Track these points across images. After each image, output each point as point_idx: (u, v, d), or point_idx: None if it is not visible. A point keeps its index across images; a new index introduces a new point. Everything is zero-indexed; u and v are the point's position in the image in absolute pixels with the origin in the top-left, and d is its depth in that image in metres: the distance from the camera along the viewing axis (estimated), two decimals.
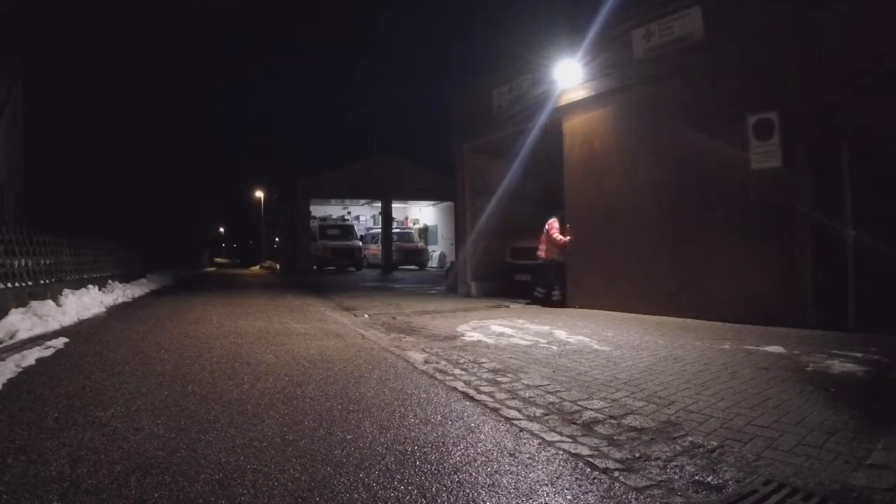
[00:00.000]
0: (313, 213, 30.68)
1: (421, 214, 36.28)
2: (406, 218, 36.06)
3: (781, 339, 6.24)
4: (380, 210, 31.89)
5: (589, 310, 9.78)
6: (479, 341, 6.59)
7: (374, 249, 31.22)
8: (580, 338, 6.74)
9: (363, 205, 35.13)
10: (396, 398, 4.08)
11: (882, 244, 6.94)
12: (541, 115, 11.02)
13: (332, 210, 34.50)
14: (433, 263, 31.78)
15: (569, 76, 10.26)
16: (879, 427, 3.30)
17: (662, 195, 8.92)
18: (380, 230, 31.72)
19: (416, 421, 3.55)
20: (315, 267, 27.74)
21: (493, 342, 6.52)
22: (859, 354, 5.33)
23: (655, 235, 9.01)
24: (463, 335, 7.04)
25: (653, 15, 9.07)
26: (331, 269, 27.71)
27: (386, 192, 29.60)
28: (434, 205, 33.93)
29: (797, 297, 7.31)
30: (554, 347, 6.14)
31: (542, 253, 10.95)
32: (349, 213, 35.46)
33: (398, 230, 32.52)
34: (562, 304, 10.50)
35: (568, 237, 10.61)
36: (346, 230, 30.29)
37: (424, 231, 34.96)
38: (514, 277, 12.70)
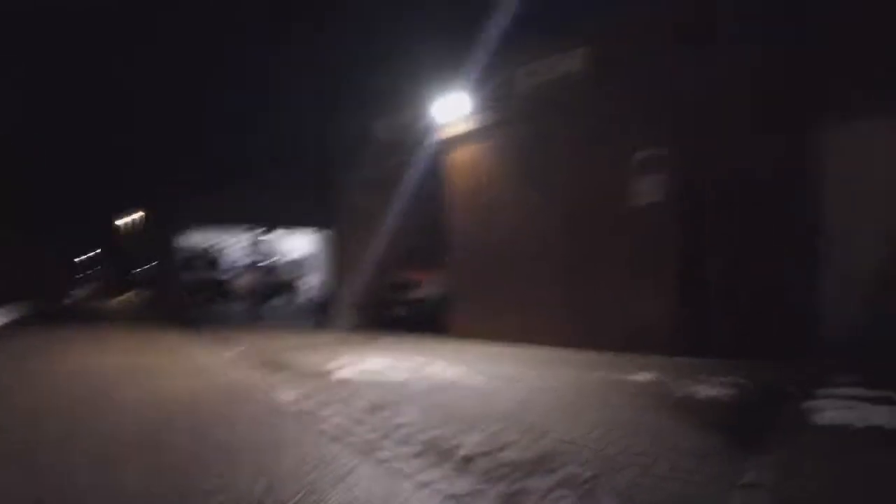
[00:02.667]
0: (183, 242, 29.00)
1: (294, 244, 35.18)
2: (279, 247, 34.82)
3: (652, 367, 6.42)
4: (252, 239, 30.64)
5: (469, 342, 9.70)
6: (352, 378, 6.31)
7: (245, 281, 29.89)
8: (455, 371, 6.62)
9: (234, 233, 33.65)
10: (268, 441, 3.77)
11: (739, 280, 7.45)
12: (423, 148, 11.00)
13: (201, 238, 32.75)
14: (306, 295, 30.86)
15: (452, 110, 10.30)
16: (747, 448, 3.39)
17: (551, 228, 8.99)
18: (251, 260, 30.47)
19: (290, 466, 3.27)
20: (184, 298, 26.10)
21: (367, 378, 6.27)
22: (724, 379, 5.56)
23: (543, 268, 9.06)
24: (335, 371, 6.72)
25: (537, 53, 9.32)
26: (200, 299, 26.23)
27: (258, 220, 28.43)
28: (308, 234, 32.99)
29: (669, 327, 7.56)
30: (428, 382, 5.98)
31: None
32: (219, 242, 33.79)
33: (269, 260, 31.37)
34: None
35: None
36: (214, 260, 28.90)
37: (297, 261, 33.90)
38: (389, 310, 12.45)
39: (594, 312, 8.37)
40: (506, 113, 9.73)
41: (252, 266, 28.87)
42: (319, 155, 15.47)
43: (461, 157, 10.48)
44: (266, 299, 27.90)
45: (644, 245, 7.85)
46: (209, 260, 28.66)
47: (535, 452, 3.46)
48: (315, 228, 30.05)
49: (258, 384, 5.88)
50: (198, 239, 31.68)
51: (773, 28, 7.27)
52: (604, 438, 3.71)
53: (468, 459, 3.37)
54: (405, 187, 12.67)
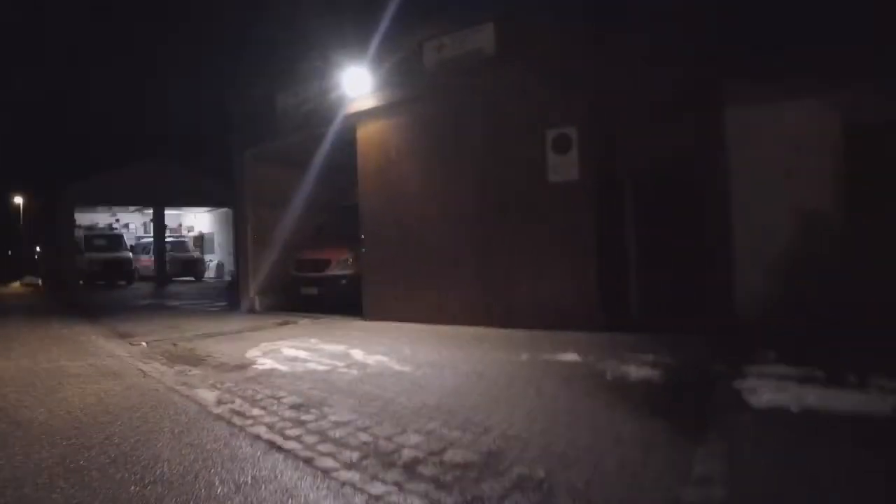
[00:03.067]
0: (79, 222, 26.85)
1: (196, 221, 33.51)
2: (180, 225, 33.09)
3: (576, 346, 6.40)
4: (151, 217, 29.04)
5: (384, 322, 9.54)
6: (274, 369, 6.01)
7: (147, 261, 28.20)
8: (379, 358, 6.43)
9: (133, 212, 31.53)
10: (196, 457, 3.44)
11: (655, 256, 7.84)
12: (331, 121, 10.59)
13: (99, 218, 30.36)
14: (210, 274, 29.56)
15: (359, 84, 9.95)
16: (690, 434, 3.43)
17: (465, 206, 8.94)
18: (152, 239, 28.85)
19: (226, 488, 2.99)
20: (82, 282, 24.22)
21: (289, 369, 5.99)
22: (650, 357, 5.62)
23: (458, 246, 9.00)
24: (255, 362, 6.40)
25: (445, 28, 9.15)
26: (100, 283, 24.43)
27: (158, 197, 26.71)
28: (210, 211, 31.42)
29: (588, 303, 7.65)
30: (354, 372, 5.76)
31: None
32: (117, 220, 31.52)
33: (171, 239, 29.75)
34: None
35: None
36: (114, 240, 26.84)
37: (200, 239, 32.31)
38: (300, 291, 12.02)
39: (510, 290, 8.44)
40: (414, 88, 9.55)
41: (156, 245, 27.27)
42: (222, 129, 14.57)
43: (371, 132, 10.26)
44: (172, 278, 26.58)
45: (560, 222, 7.98)
46: (111, 239, 26.65)
47: (481, 452, 3.36)
48: (221, 205, 28.75)
49: (176, 383, 5.44)
50: (98, 218, 29.53)
51: (685, 11, 7.39)
52: (547, 432, 3.65)
53: (414, 463, 3.23)
54: (314, 162, 12.29)
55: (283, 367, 6.07)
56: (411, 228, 9.58)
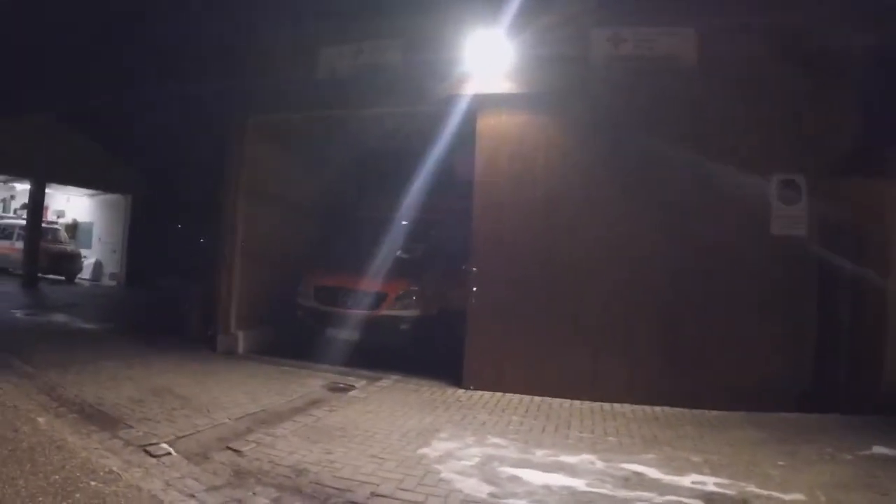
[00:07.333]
0: None
1: (69, 205, 27.04)
2: (47, 208, 26.38)
3: (852, 440, 5.17)
4: (12, 195, 23.04)
5: (509, 396, 6.73)
6: None
7: (8, 248, 21.97)
8: None
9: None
10: None
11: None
12: (424, 100, 7.61)
13: None
14: (85, 275, 23.76)
15: (492, 55, 7.12)
16: None
17: (640, 245, 6.77)
18: (14, 221, 22.77)
19: None
20: None
21: None
22: None
23: (626, 296, 6.83)
24: None
25: (625, 18, 7.04)
26: None
27: (40, 168, 20.18)
28: (92, 195, 25.40)
29: (802, 379, 6.51)
30: None
31: None
32: None
33: (48, 223, 23.18)
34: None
35: None
36: None
37: (74, 228, 26.09)
38: (318, 330, 8.68)
39: (702, 358, 6.67)
40: (572, 78, 7.03)
41: (30, 231, 20.91)
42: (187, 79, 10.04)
43: (502, 126, 7.58)
44: (42, 274, 20.73)
45: (777, 281, 6.67)
46: None
47: None
48: (109, 190, 23.10)
49: None
50: None
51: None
52: None
53: None
54: (364, 155, 9.15)
55: None
56: (558, 268, 6.96)
